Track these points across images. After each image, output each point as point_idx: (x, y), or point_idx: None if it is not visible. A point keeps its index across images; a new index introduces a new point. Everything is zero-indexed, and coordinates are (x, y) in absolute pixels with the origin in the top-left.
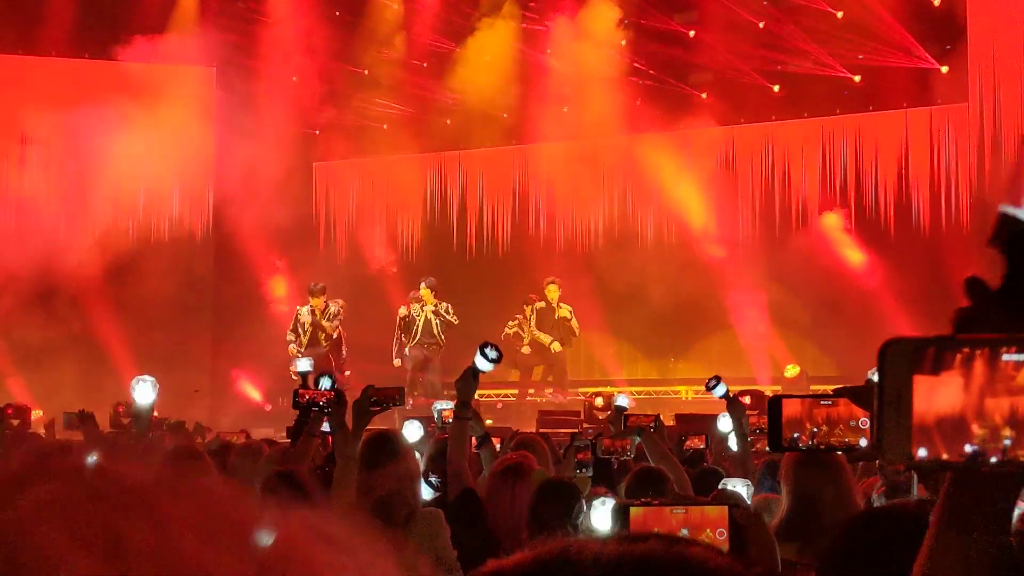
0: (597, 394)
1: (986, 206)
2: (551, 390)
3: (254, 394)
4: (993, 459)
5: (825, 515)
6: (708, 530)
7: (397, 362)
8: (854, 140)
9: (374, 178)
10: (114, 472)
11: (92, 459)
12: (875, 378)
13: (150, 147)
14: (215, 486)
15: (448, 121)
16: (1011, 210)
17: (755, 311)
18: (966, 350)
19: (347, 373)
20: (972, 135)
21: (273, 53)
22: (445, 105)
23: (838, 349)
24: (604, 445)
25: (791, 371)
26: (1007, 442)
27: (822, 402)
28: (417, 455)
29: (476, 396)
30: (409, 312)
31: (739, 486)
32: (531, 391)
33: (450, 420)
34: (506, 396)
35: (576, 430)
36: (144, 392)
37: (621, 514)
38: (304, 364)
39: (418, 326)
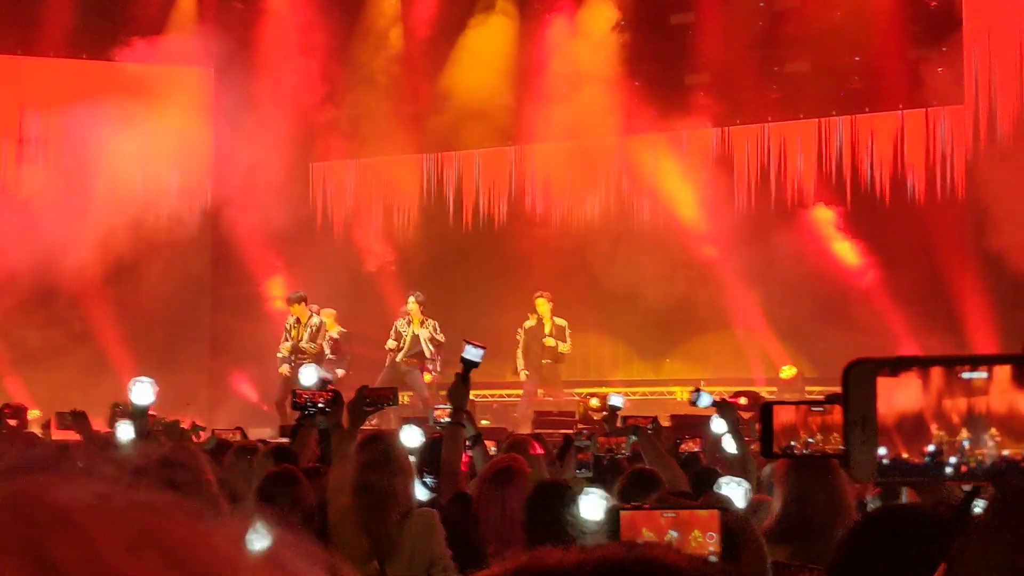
0: (592, 395)
1: (981, 206)
2: (543, 391)
3: (251, 394)
4: (952, 459)
5: (818, 518)
6: (697, 532)
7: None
8: (850, 141)
9: (371, 177)
10: (45, 491)
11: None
12: None
13: (148, 147)
14: (155, 502)
15: (445, 120)
16: None
17: (751, 311)
18: (931, 368)
19: (339, 372)
20: (968, 136)
21: (270, 53)
22: (442, 105)
23: (835, 350)
24: (598, 442)
25: (787, 372)
26: (965, 443)
27: (814, 408)
28: (411, 458)
29: (472, 396)
30: (395, 327)
31: (735, 486)
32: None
33: (443, 421)
34: (502, 396)
35: (571, 431)
36: (142, 393)
37: (611, 517)
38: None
39: (405, 340)
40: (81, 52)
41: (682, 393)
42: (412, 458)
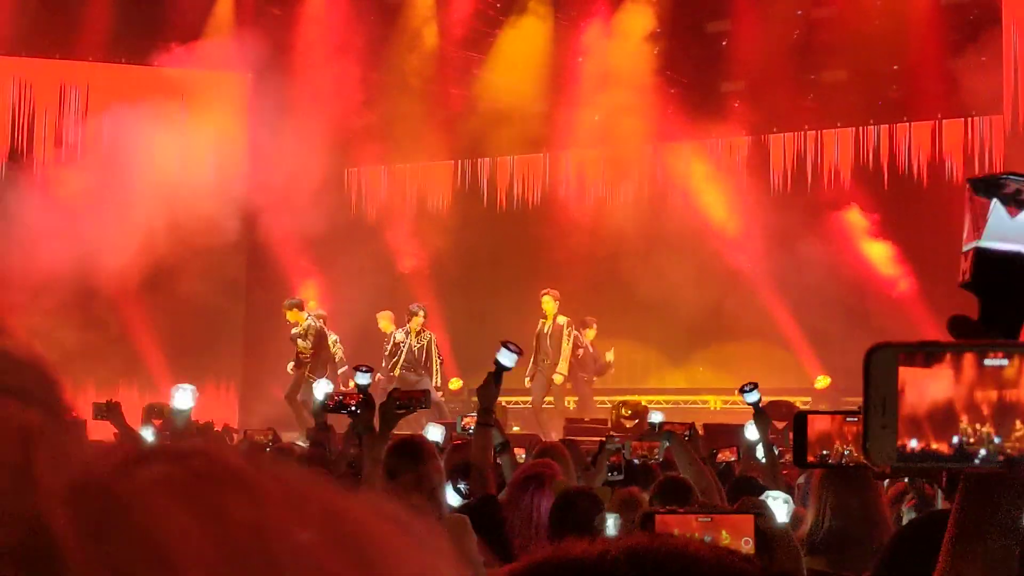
0: (624, 403)
1: None
2: (575, 400)
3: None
4: (982, 451)
5: (852, 528)
6: (733, 538)
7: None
8: (887, 150)
9: (405, 182)
10: (215, 454)
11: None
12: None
13: (186, 151)
14: (298, 470)
15: (478, 125)
16: (981, 244)
17: (785, 320)
18: (951, 354)
19: (341, 371)
20: (1007, 145)
21: (307, 58)
22: (476, 109)
23: None
24: (632, 447)
25: (821, 382)
26: (995, 438)
27: (848, 419)
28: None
29: (503, 401)
30: (392, 336)
31: (780, 502)
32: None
33: (471, 427)
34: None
35: (603, 438)
36: (183, 398)
37: (646, 522)
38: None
39: (401, 352)
40: (120, 57)
41: (716, 402)
42: None
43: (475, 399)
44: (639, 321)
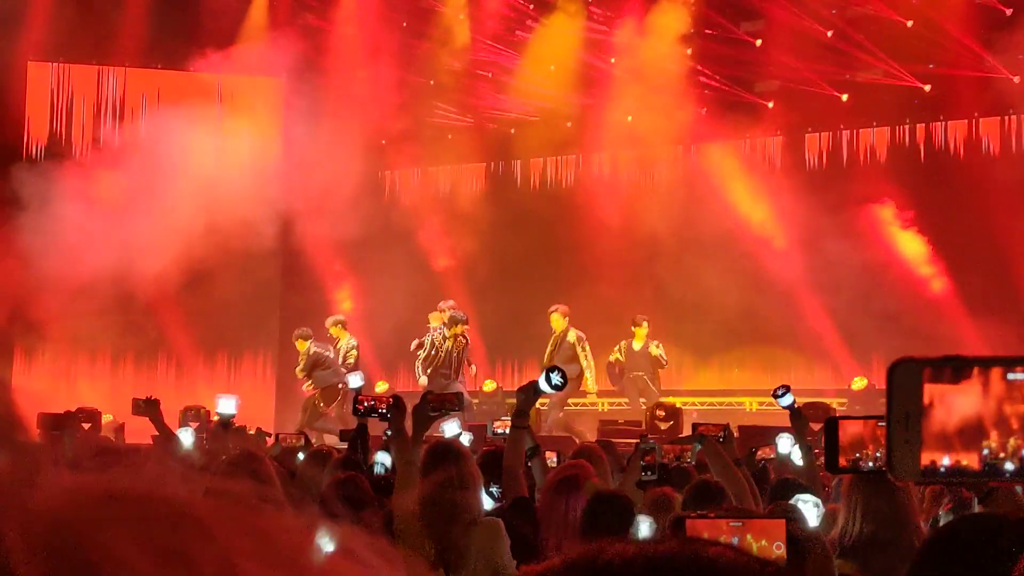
0: (659, 404)
1: None
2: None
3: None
4: (1010, 465)
5: (882, 532)
6: (764, 542)
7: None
8: (924, 149)
9: (438, 184)
10: (182, 498)
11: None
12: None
13: (222, 156)
14: (271, 511)
15: (512, 130)
16: None
17: (821, 321)
18: (976, 369)
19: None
20: None
21: (340, 64)
22: (509, 114)
23: None
24: (663, 449)
25: (858, 383)
26: (1015, 444)
27: (881, 423)
28: None
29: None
30: (430, 338)
31: (811, 505)
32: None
33: (501, 431)
34: (568, 406)
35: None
36: (227, 404)
37: (678, 526)
38: (356, 380)
39: (440, 355)
40: (155, 62)
41: (751, 403)
42: None
43: (509, 400)
44: (673, 322)
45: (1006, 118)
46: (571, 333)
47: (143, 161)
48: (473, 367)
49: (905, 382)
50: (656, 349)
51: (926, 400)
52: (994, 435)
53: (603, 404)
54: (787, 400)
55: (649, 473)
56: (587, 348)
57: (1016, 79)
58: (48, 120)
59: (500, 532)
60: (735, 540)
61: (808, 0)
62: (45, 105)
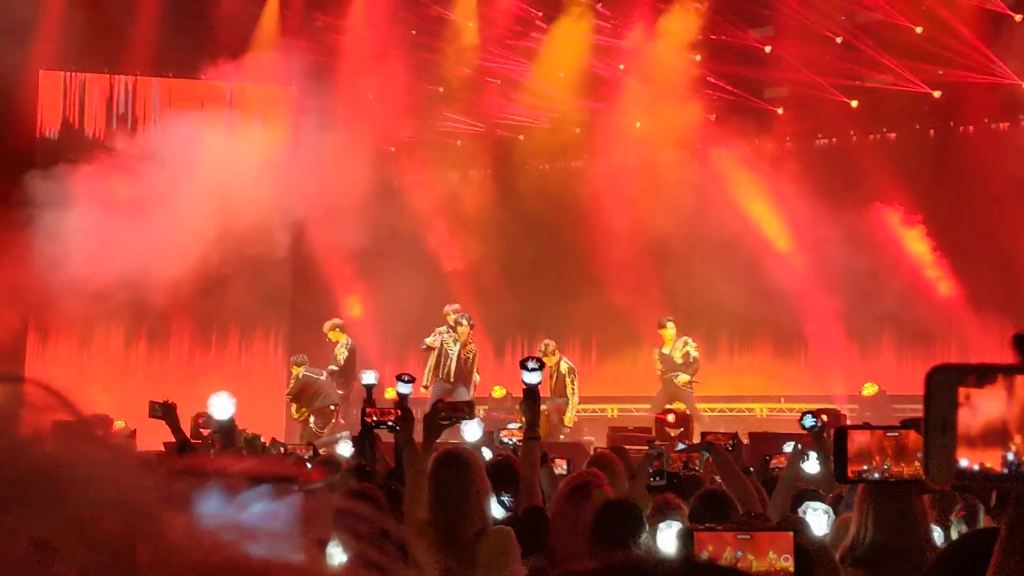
0: (669, 410)
1: None
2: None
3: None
4: None
5: (893, 542)
6: (772, 554)
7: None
8: (933, 154)
9: (447, 192)
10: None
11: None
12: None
13: (233, 163)
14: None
15: (521, 137)
16: None
17: (831, 328)
18: (1009, 376)
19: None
20: None
21: (350, 71)
22: (517, 120)
23: (918, 366)
24: (671, 457)
25: (869, 390)
26: None
27: (889, 433)
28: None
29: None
30: (441, 345)
31: (820, 513)
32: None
33: (508, 440)
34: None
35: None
36: (222, 407)
37: (686, 539)
38: (369, 377)
39: (451, 361)
40: (167, 70)
41: (761, 410)
42: None
43: (518, 407)
44: (682, 328)
45: (1017, 123)
46: (563, 364)
47: (154, 168)
48: (477, 377)
49: (942, 389)
50: (682, 348)
51: (962, 406)
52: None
53: (612, 410)
54: (809, 421)
55: (658, 479)
56: (576, 382)
57: None
58: (60, 128)
59: (511, 540)
60: (738, 554)
61: (818, 6)
62: (57, 113)
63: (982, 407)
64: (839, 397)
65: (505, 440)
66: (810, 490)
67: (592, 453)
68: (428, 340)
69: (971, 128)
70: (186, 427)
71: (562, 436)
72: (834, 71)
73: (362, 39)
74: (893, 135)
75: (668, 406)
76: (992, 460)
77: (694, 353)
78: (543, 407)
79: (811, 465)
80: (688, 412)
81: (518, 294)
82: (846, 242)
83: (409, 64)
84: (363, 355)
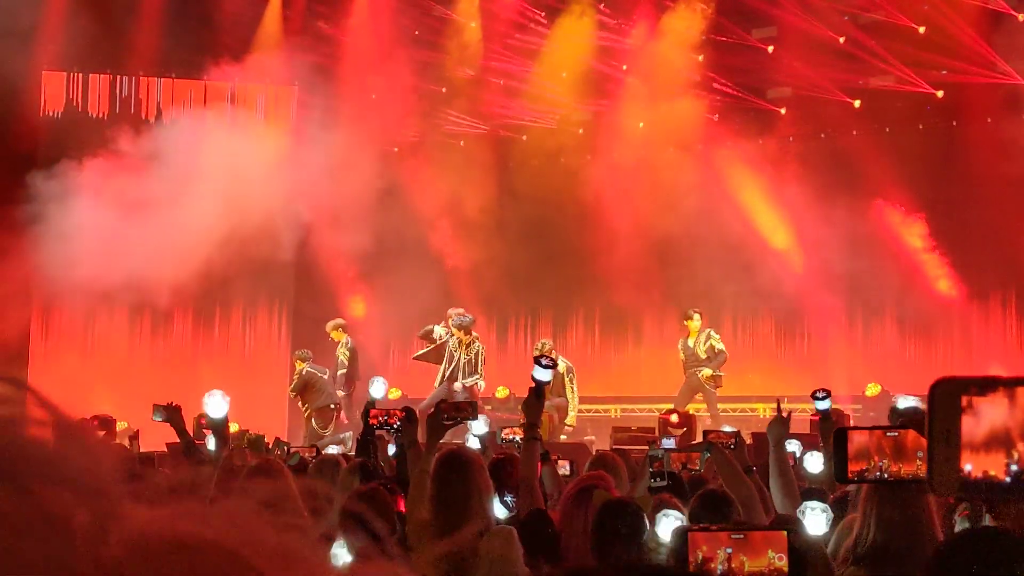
0: (672, 410)
1: None
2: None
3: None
4: None
5: (896, 541)
6: (771, 552)
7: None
8: (936, 155)
9: (450, 193)
10: (233, 548)
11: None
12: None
13: (234, 164)
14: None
15: (524, 137)
16: None
17: (835, 327)
18: (1011, 388)
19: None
20: None
21: (353, 72)
22: (520, 121)
23: (921, 366)
24: (670, 457)
25: (872, 390)
26: None
27: (889, 433)
28: None
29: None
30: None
31: (818, 512)
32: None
33: (509, 438)
34: (581, 412)
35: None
36: (216, 406)
37: (681, 538)
38: (378, 391)
39: (457, 362)
40: (170, 71)
41: (765, 410)
42: None
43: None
44: (685, 328)
45: (1019, 123)
46: (561, 364)
47: (157, 169)
48: (482, 383)
49: (946, 401)
50: (705, 342)
51: (966, 418)
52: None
53: (615, 410)
54: (825, 404)
55: (659, 480)
56: (574, 381)
57: None
58: (62, 128)
59: (513, 540)
60: (728, 551)
61: (820, 7)
62: (60, 114)
63: (986, 416)
64: (842, 398)
65: (507, 438)
66: (815, 489)
67: (594, 453)
68: (437, 329)
69: (974, 128)
70: (188, 428)
71: (563, 436)
72: (837, 71)
73: (365, 39)
74: (896, 135)
75: (673, 407)
76: (996, 468)
77: (718, 346)
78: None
79: (814, 464)
80: (692, 413)
81: (520, 294)
82: (849, 242)
83: (412, 64)
84: (366, 356)
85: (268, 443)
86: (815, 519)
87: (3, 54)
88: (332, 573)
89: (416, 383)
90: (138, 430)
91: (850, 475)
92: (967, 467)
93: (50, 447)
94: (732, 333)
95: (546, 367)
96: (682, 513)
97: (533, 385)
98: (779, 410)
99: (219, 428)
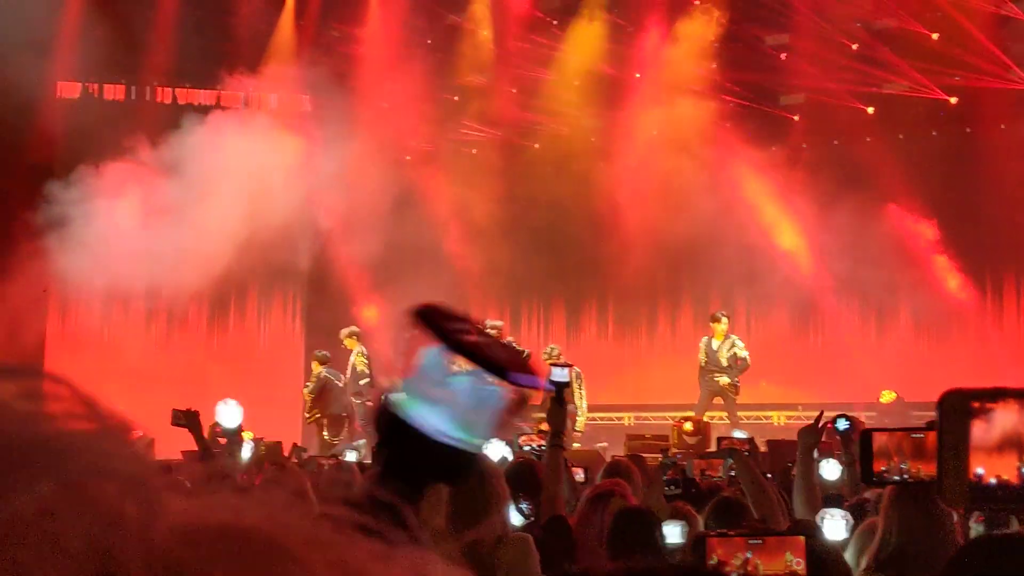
0: (686, 418)
1: None
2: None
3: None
4: None
5: (918, 545)
6: (789, 554)
7: None
8: (950, 161)
9: (463, 201)
10: (273, 533)
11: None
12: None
13: (248, 172)
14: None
15: (536, 145)
16: None
17: (849, 334)
18: (1018, 399)
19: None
20: None
21: (366, 81)
22: (533, 128)
23: (936, 373)
24: (693, 464)
25: (887, 397)
26: None
27: (913, 435)
28: None
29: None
30: None
31: (837, 518)
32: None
33: (527, 446)
34: (593, 419)
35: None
36: (229, 415)
37: (699, 544)
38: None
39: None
40: (184, 81)
41: (779, 417)
42: None
43: (535, 414)
44: (699, 336)
45: None
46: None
47: (172, 178)
48: None
49: (954, 413)
50: (729, 349)
51: (975, 428)
52: None
53: (628, 418)
54: (845, 424)
55: (673, 487)
56: (583, 387)
57: None
58: (78, 138)
59: (529, 548)
60: (747, 555)
61: (834, 13)
62: (75, 124)
63: (997, 423)
64: (857, 404)
65: (524, 447)
66: (834, 495)
67: (608, 460)
68: None
69: (988, 133)
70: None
71: (576, 444)
72: (850, 78)
73: (377, 48)
74: (909, 141)
75: (687, 415)
76: (1009, 472)
77: (741, 354)
78: None
79: (830, 471)
80: (707, 421)
81: (533, 301)
82: (863, 249)
83: (424, 73)
84: (379, 363)
85: (285, 451)
86: (834, 525)
87: (19, 65)
88: (365, 560)
89: None
90: (153, 439)
91: (875, 477)
92: (979, 471)
93: (93, 440)
94: (745, 339)
95: (563, 367)
96: (686, 522)
97: (553, 392)
98: (817, 420)
99: (231, 436)
